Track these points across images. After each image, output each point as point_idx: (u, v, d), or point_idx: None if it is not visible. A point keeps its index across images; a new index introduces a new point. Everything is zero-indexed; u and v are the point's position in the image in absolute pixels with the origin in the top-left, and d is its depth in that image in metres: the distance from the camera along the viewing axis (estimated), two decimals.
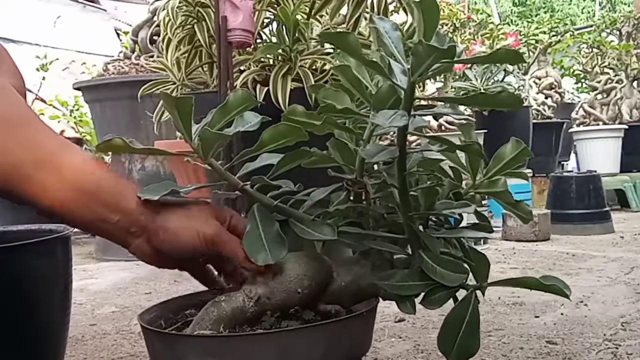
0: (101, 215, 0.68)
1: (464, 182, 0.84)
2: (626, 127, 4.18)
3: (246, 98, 0.73)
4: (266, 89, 1.34)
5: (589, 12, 13.32)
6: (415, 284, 0.75)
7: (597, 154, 4.12)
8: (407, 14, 1.56)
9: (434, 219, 0.81)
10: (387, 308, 1.49)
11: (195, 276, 0.82)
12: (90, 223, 0.69)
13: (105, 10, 7.07)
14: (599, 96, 4.44)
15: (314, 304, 0.77)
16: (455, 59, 0.62)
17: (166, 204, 0.72)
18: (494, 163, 0.81)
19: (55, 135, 0.70)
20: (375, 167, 0.80)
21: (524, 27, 5.16)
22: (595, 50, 4.54)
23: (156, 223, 0.70)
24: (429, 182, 0.77)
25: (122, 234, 0.70)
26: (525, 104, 3.80)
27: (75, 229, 0.83)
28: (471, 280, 0.78)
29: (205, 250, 0.72)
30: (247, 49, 1.44)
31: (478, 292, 0.79)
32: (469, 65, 3.33)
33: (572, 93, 5.39)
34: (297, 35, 1.37)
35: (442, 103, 0.78)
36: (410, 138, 2.40)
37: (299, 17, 1.39)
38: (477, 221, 0.84)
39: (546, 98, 4.36)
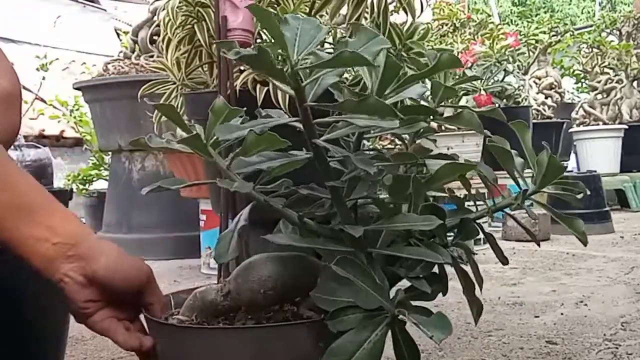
0: (42, 234, 0.67)
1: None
2: (626, 127, 4.18)
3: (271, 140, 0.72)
4: (266, 89, 1.34)
5: (589, 12, 13.33)
6: (340, 300, 0.67)
7: (597, 154, 4.12)
8: (407, 14, 1.56)
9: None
10: None
11: (109, 329, 0.75)
12: (26, 239, 0.67)
13: (105, 10, 7.08)
14: (599, 96, 4.44)
15: (282, 305, 0.77)
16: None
17: (107, 241, 0.73)
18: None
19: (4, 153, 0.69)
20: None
21: (524, 27, 5.16)
22: (595, 50, 4.54)
23: (99, 249, 0.70)
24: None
25: (56, 257, 0.68)
26: (525, 103, 3.80)
27: None
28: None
29: (141, 285, 0.72)
30: (247, 49, 1.44)
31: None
32: (469, 65, 3.33)
33: (572, 93, 5.39)
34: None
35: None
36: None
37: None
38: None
39: (546, 98, 4.36)
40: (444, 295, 0.75)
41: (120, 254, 0.72)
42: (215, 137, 0.72)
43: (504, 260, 0.80)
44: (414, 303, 0.69)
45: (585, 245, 0.75)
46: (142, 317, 0.77)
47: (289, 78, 0.61)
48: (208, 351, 0.69)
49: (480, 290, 0.78)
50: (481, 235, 0.80)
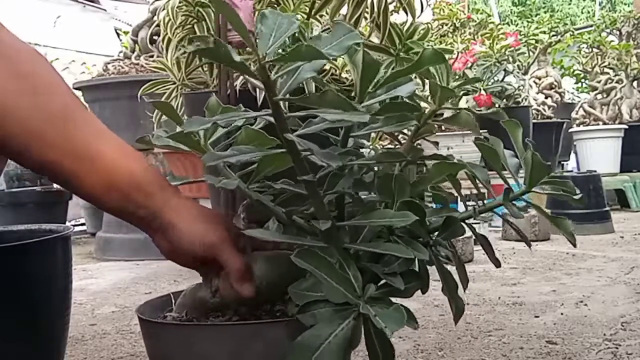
0: (129, 208, 0.72)
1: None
2: (626, 127, 4.18)
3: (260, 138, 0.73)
4: None
5: (589, 12, 13.32)
6: (312, 294, 0.67)
7: (597, 154, 4.12)
8: (407, 14, 1.56)
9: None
10: None
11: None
12: (121, 214, 0.73)
13: (105, 10, 7.08)
14: (599, 96, 4.44)
15: (273, 303, 0.78)
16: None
17: (187, 205, 0.75)
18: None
19: (92, 121, 0.72)
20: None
21: (524, 27, 5.16)
22: (595, 50, 4.54)
23: (171, 220, 0.73)
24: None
25: (146, 227, 0.74)
26: (525, 103, 3.80)
27: (76, 229, 0.83)
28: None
29: (204, 255, 0.74)
30: (247, 48, 1.44)
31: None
32: (468, 65, 3.33)
33: (572, 93, 5.39)
34: (297, 35, 1.37)
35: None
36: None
37: (298, 17, 1.39)
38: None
39: (546, 98, 4.36)
40: (423, 292, 0.74)
41: (190, 223, 0.73)
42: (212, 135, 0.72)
43: (496, 263, 0.80)
44: (396, 300, 0.68)
45: (575, 246, 0.74)
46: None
47: (256, 72, 0.61)
48: (187, 348, 0.70)
49: (464, 290, 0.78)
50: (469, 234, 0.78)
